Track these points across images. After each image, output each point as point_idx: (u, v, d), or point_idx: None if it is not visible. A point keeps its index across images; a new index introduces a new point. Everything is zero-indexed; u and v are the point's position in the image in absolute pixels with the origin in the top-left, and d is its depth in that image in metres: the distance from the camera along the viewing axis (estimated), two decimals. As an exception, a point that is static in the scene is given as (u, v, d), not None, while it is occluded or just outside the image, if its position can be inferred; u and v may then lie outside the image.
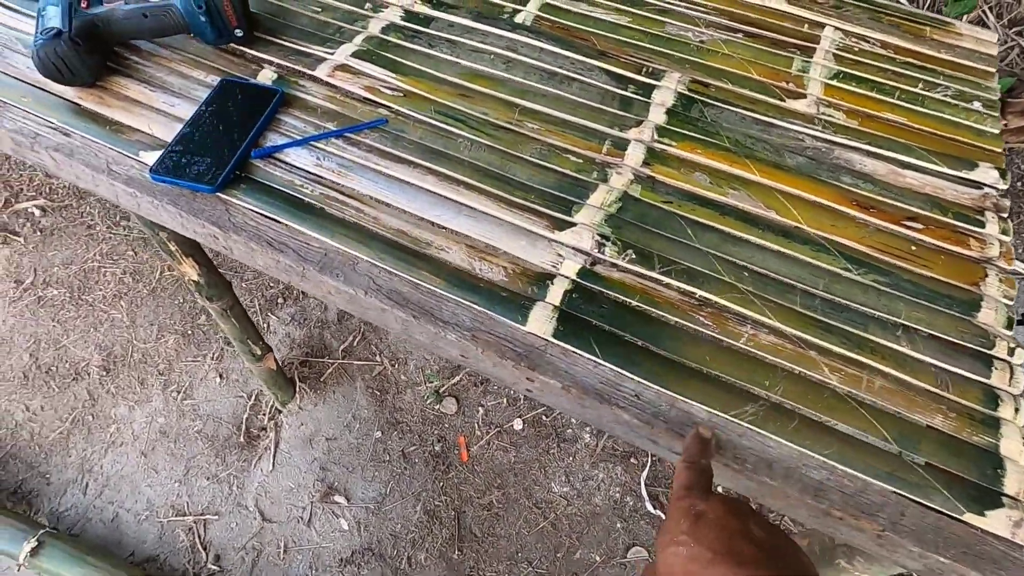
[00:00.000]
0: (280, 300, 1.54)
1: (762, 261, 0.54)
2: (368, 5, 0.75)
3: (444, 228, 0.55)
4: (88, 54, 0.61)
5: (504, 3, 0.76)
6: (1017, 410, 0.46)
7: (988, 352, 0.49)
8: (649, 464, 1.32)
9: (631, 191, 0.58)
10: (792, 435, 0.45)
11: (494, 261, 0.53)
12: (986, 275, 0.54)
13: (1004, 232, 0.57)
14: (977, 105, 0.68)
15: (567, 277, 0.52)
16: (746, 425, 0.45)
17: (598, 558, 1.22)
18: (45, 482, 1.30)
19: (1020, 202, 1.72)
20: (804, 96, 0.67)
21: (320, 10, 0.74)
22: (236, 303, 1.05)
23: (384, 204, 0.56)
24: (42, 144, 0.59)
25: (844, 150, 0.63)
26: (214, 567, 1.20)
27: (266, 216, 0.55)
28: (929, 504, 0.42)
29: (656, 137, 0.62)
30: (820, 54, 0.72)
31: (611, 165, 0.60)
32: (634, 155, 0.61)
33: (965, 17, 1.55)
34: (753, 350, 0.49)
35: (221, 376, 1.42)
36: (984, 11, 1.59)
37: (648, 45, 0.72)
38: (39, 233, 1.64)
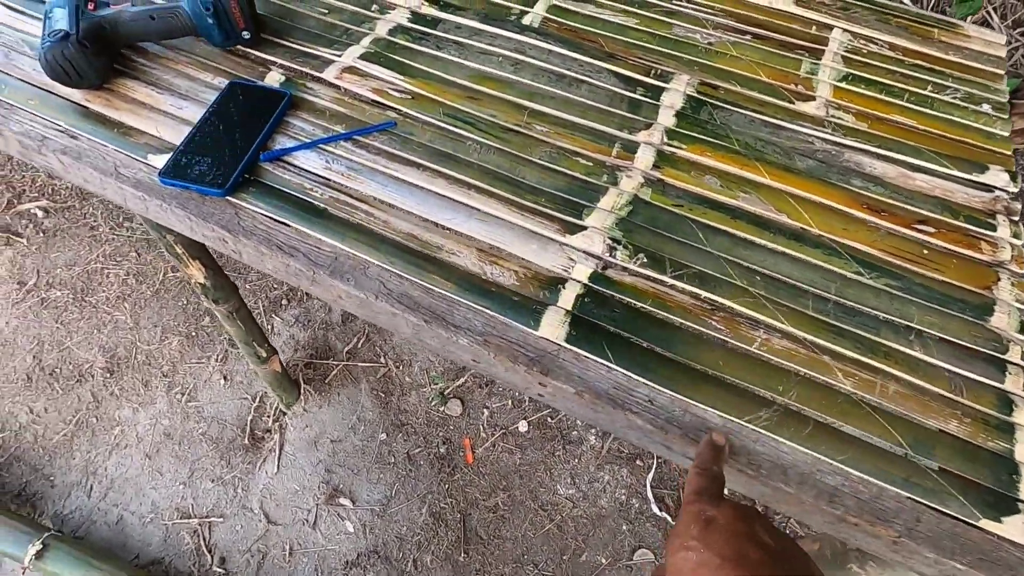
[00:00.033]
0: (284, 302, 1.54)
1: (774, 265, 0.54)
2: (375, 7, 0.75)
3: (454, 232, 0.54)
4: (95, 56, 0.61)
5: (511, 5, 0.76)
6: (1032, 415, 0.46)
7: (1002, 356, 0.49)
8: (655, 466, 1.32)
9: (641, 194, 0.58)
10: (806, 440, 0.44)
11: (505, 265, 0.53)
12: (998, 279, 0.54)
13: (1016, 236, 0.57)
14: (986, 107, 0.68)
15: (579, 281, 0.52)
16: (760, 431, 0.45)
17: (604, 560, 1.22)
18: (49, 485, 1.30)
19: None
20: (813, 98, 0.67)
21: (327, 12, 0.74)
22: (242, 305, 1.05)
23: (394, 207, 0.56)
24: (49, 147, 0.59)
25: (854, 153, 0.63)
26: (219, 570, 1.20)
27: (276, 220, 0.55)
28: (945, 510, 0.42)
29: (666, 140, 0.62)
30: (828, 56, 0.72)
31: (621, 168, 0.60)
32: (644, 158, 0.61)
33: (970, 18, 1.55)
34: (766, 355, 0.48)
35: (225, 378, 1.42)
36: (988, 12, 1.58)
37: (656, 47, 0.72)
38: (42, 234, 1.63)
